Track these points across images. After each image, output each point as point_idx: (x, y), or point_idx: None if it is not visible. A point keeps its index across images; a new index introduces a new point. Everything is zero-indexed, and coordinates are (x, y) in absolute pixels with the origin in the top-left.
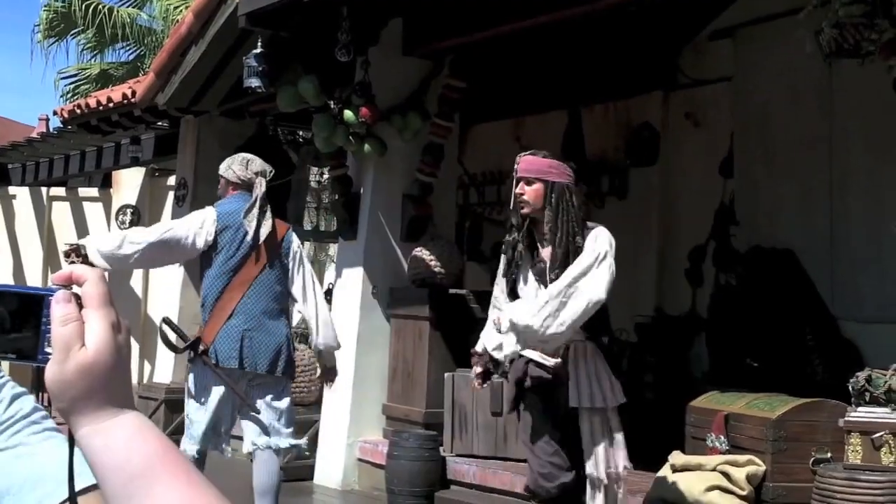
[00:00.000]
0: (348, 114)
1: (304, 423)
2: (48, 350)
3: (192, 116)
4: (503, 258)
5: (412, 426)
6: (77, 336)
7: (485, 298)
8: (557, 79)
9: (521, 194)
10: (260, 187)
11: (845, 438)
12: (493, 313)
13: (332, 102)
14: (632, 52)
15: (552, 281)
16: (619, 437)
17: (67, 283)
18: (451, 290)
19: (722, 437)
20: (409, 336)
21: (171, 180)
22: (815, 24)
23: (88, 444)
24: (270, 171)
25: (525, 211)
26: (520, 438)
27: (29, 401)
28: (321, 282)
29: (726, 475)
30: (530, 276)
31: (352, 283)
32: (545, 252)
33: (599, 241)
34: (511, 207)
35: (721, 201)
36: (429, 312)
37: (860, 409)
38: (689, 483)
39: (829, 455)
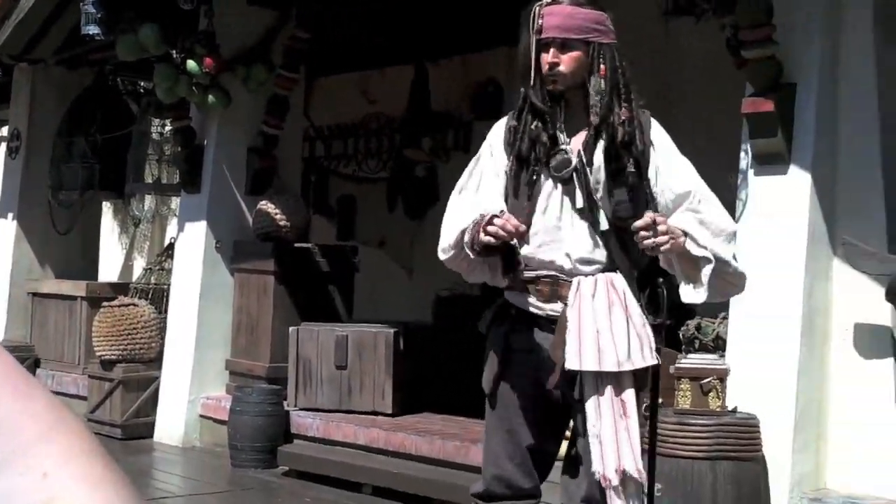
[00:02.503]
0: (191, 64)
1: (144, 381)
2: None
3: (26, 64)
4: (506, 152)
5: (256, 381)
6: None
7: (331, 252)
8: (404, 32)
9: (556, 63)
10: None
11: (676, 385)
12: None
13: (174, 52)
14: (478, 6)
15: (591, 183)
16: (634, 420)
17: None
18: (297, 244)
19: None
20: (254, 290)
21: (4, 131)
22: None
23: None
24: None
25: (558, 87)
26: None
27: None
28: (164, 236)
29: None
30: (543, 178)
31: (195, 237)
32: (575, 141)
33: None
34: (532, 83)
35: None
36: (273, 266)
37: (690, 356)
38: None
39: (660, 401)
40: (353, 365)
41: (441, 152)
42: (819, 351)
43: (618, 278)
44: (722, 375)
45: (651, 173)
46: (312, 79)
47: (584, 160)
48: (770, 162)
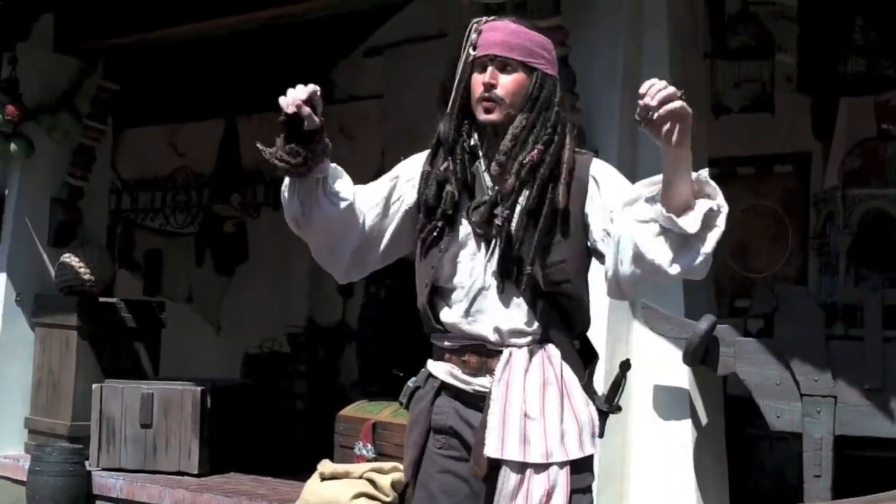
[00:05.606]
0: None
1: None
2: None
3: None
4: (418, 199)
5: (57, 440)
6: None
7: (136, 308)
8: (215, 86)
9: (492, 84)
10: None
11: None
12: None
13: None
14: (288, 64)
15: (519, 230)
16: None
17: None
18: (101, 299)
19: (369, 445)
20: (56, 346)
21: None
22: (459, 47)
23: None
24: None
25: (492, 117)
26: None
27: None
28: None
29: (372, 482)
30: (464, 227)
31: None
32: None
33: (617, 174)
34: (449, 110)
35: None
36: (77, 321)
37: None
38: (336, 491)
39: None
40: (159, 423)
41: (250, 208)
42: (621, 413)
43: (554, 352)
44: None
45: (591, 220)
46: (120, 130)
47: (512, 212)
48: None
